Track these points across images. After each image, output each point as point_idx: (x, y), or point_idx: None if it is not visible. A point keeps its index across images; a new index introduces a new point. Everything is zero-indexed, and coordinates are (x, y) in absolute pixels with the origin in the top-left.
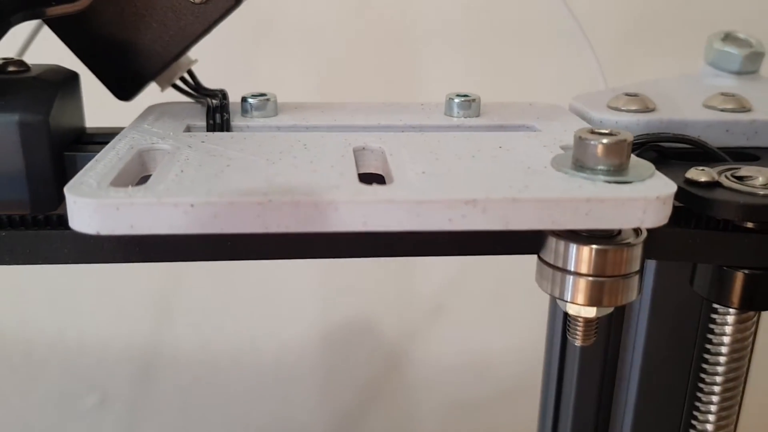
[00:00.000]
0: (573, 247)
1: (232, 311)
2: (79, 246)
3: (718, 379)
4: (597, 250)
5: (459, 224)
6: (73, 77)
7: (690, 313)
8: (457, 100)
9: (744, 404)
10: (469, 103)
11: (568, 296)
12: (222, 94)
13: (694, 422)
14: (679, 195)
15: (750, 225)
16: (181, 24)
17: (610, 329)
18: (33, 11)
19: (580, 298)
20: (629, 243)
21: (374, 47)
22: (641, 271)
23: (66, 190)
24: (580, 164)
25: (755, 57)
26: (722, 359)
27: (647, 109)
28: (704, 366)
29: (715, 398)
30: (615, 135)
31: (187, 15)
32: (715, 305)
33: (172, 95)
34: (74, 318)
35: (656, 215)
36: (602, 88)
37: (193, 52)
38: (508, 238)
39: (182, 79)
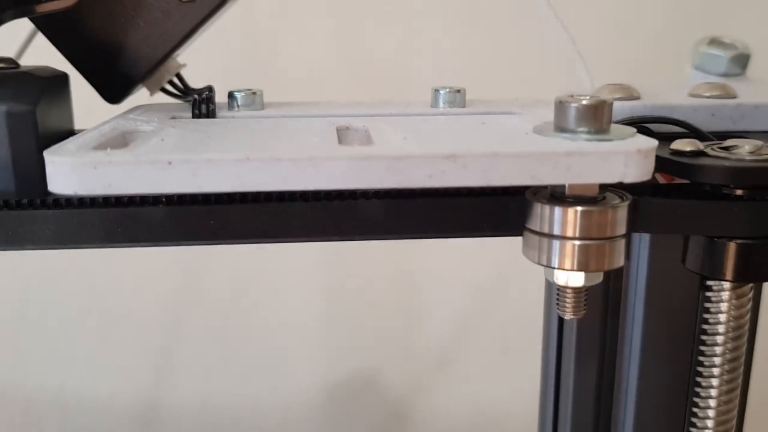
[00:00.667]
0: (558, 210)
1: (233, 367)
2: (62, 227)
3: (717, 360)
4: (582, 212)
5: (439, 180)
6: (62, 76)
7: (686, 299)
8: (442, 92)
9: (751, 390)
10: (454, 95)
11: (555, 262)
12: (209, 88)
13: (695, 409)
14: (666, 165)
15: (739, 192)
16: (168, 23)
17: (605, 325)
18: (23, 8)
19: (567, 263)
20: (614, 204)
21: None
22: (628, 237)
23: (45, 153)
24: (562, 128)
25: (741, 59)
26: (720, 338)
27: (632, 97)
28: (702, 348)
29: (715, 381)
30: (595, 97)
31: (174, 14)
32: (709, 282)
33: (161, 100)
34: (74, 374)
35: (638, 169)
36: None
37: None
38: (494, 214)
39: (171, 82)
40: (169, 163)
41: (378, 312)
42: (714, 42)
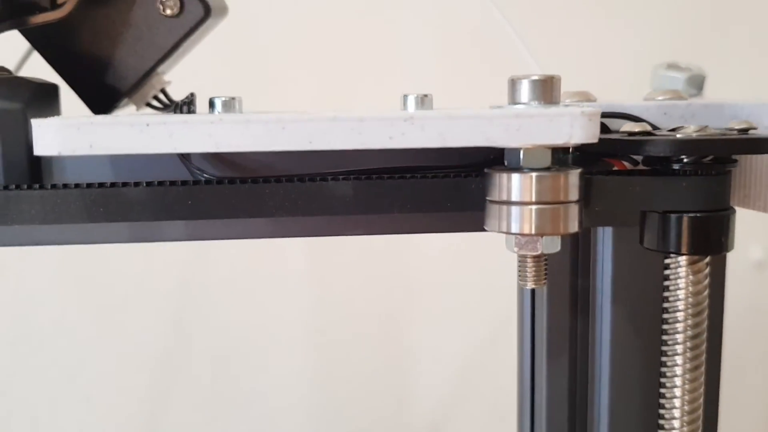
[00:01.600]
0: (515, 177)
1: None
2: (47, 207)
3: (679, 337)
4: (537, 177)
5: (399, 142)
6: (52, 85)
7: (651, 289)
8: (411, 97)
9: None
10: (423, 99)
11: (514, 228)
12: (190, 94)
13: (662, 390)
14: (617, 146)
15: (687, 167)
16: (154, 37)
17: (576, 321)
18: (18, 20)
19: (526, 227)
20: (566, 170)
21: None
22: (581, 204)
23: (33, 120)
24: (515, 102)
25: (696, 79)
26: (680, 315)
27: (588, 100)
28: (665, 327)
29: (679, 359)
30: (544, 74)
31: (159, 28)
32: (667, 261)
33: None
34: None
35: (584, 130)
36: None
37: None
38: (457, 192)
39: (156, 98)
40: (147, 124)
41: (367, 379)
42: (671, 66)
